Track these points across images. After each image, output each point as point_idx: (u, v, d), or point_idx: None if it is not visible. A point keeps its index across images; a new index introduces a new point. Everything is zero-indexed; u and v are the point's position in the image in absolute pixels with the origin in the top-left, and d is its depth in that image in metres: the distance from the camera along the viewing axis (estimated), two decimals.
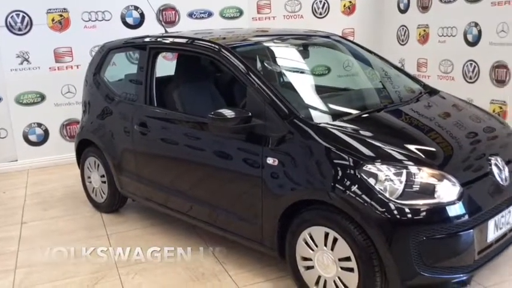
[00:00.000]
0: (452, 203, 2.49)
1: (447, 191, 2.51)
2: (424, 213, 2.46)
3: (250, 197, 3.01)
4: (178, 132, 3.51)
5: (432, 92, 3.61)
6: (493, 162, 2.75)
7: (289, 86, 3.35)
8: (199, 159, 3.35)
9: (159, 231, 3.99)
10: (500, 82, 5.67)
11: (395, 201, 2.46)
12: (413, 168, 2.55)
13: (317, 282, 2.79)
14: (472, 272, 2.58)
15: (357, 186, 2.53)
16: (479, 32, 5.86)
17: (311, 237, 2.75)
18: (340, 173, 2.60)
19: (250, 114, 2.94)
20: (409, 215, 2.44)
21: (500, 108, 5.70)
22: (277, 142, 2.86)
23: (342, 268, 2.65)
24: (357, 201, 2.51)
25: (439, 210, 2.48)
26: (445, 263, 2.51)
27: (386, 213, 2.45)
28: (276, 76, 3.53)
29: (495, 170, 2.73)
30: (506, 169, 2.80)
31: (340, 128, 2.82)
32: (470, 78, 6.06)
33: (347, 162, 2.60)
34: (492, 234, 2.64)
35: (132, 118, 3.80)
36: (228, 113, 2.92)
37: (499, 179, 2.72)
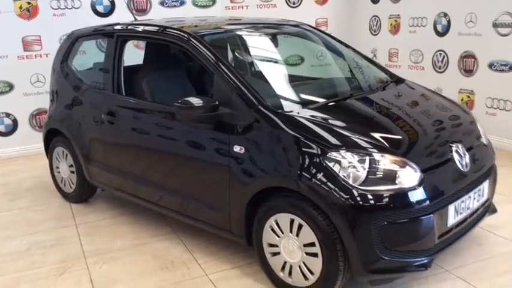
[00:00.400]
0: (413, 188, 2.54)
1: (408, 177, 2.56)
2: (385, 199, 2.50)
3: (218, 186, 3.02)
4: (147, 122, 3.50)
5: (399, 81, 3.66)
6: (454, 149, 2.82)
7: (258, 75, 3.37)
8: (168, 148, 3.35)
9: (129, 220, 3.97)
10: (468, 72, 5.78)
11: (358, 188, 2.50)
12: (376, 155, 2.59)
13: (283, 268, 2.83)
14: (433, 255, 2.65)
15: (321, 173, 2.56)
16: (449, 22, 5.96)
17: (277, 224, 2.78)
18: (305, 160, 2.63)
19: (217, 102, 2.95)
20: (371, 201, 2.49)
21: (468, 97, 5.82)
22: (244, 130, 2.88)
23: (306, 253, 2.69)
24: (322, 188, 2.54)
25: (400, 195, 2.53)
26: (406, 247, 2.57)
27: (349, 200, 2.49)
28: (244, 65, 3.54)
29: (456, 157, 2.80)
30: (467, 156, 2.87)
31: (306, 116, 2.85)
32: (440, 68, 6.16)
33: (312, 150, 2.63)
34: (452, 219, 2.71)
35: (100, 107, 3.76)
36: (195, 101, 2.92)
37: (459, 165, 2.79)
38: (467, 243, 3.32)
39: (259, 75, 3.34)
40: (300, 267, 2.74)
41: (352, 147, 2.63)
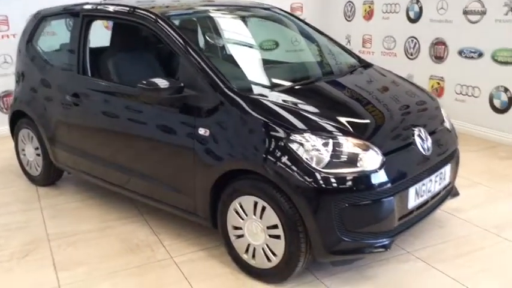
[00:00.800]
0: (375, 171, 2.57)
1: (370, 160, 2.59)
2: (347, 182, 2.53)
3: (184, 168, 3.01)
4: (112, 104, 3.45)
5: (367, 66, 3.68)
6: (416, 133, 2.85)
7: (226, 57, 3.36)
8: (134, 131, 3.31)
9: (96, 203, 3.94)
10: (438, 58, 5.84)
11: (320, 171, 2.52)
12: (339, 139, 2.61)
13: (247, 250, 2.85)
14: (393, 237, 2.69)
15: (284, 156, 2.57)
16: (421, 8, 6.00)
17: (241, 207, 2.79)
18: (268, 142, 2.63)
19: (182, 84, 2.92)
20: (333, 184, 2.51)
21: (438, 83, 5.89)
22: (209, 113, 2.86)
23: (269, 236, 2.70)
24: (285, 171, 2.55)
25: (362, 178, 2.55)
26: (366, 228, 2.61)
27: (311, 182, 2.50)
28: (212, 47, 3.52)
29: (418, 140, 2.84)
30: (430, 140, 2.90)
31: (272, 99, 2.84)
32: (411, 54, 6.22)
33: (276, 133, 2.63)
34: (413, 201, 2.75)
35: (65, 89, 3.70)
36: (160, 82, 2.89)
37: (421, 148, 2.83)
38: (429, 226, 3.38)
39: (228, 58, 3.34)
40: (263, 249, 2.76)
41: (316, 130, 2.64)
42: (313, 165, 2.53)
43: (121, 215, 3.71)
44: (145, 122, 3.21)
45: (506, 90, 5.10)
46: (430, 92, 3.56)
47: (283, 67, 3.79)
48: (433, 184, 2.90)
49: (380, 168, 2.59)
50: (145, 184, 3.34)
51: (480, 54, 5.31)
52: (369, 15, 6.85)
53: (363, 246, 2.63)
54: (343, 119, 2.76)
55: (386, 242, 2.66)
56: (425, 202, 2.89)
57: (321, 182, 2.51)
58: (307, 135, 2.60)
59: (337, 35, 7.40)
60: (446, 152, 3.05)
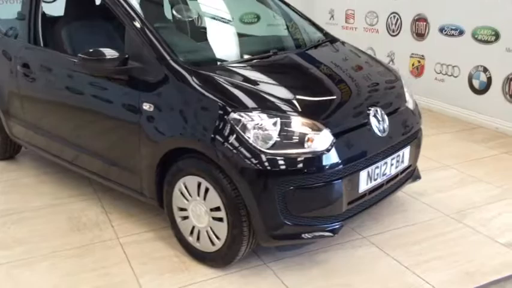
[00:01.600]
0: (323, 153, 2.43)
1: (319, 140, 2.44)
2: (292, 163, 2.39)
3: (130, 145, 2.86)
4: (60, 76, 3.28)
5: (333, 40, 3.51)
6: (372, 113, 2.70)
7: (178, 29, 3.17)
8: (82, 105, 3.15)
9: (52, 180, 3.80)
10: (419, 36, 5.66)
11: (264, 151, 2.37)
12: (287, 117, 2.46)
13: (192, 232, 2.72)
14: (342, 221, 2.57)
15: (226, 134, 2.42)
16: None
17: (186, 187, 2.65)
18: (211, 120, 2.48)
19: (126, 56, 2.75)
20: (277, 165, 2.37)
21: (419, 62, 5.72)
22: (154, 87, 2.70)
23: (213, 218, 2.57)
24: (225, 150, 2.40)
25: (308, 160, 2.41)
26: (312, 213, 2.48)
27: (253, 163, 2.36)
28: (164, 18, 3.32)
29: (373, 121, 2.69)
30: (387, 120, 2.76)
31: (220, 73, 2.68)
32: (393, 31, 6.02)
33: (219, 110, 2.47)
34: (365, 185, 2.62)
35: (16, 59, 3.52)
36: (101, 52, 2.72)
37: (376, 129, 2.68)
38: (391, 209, 3.26)
39: (180, 29, 3.15)
40: (207, 232, 2.63)
41: (263, 108, 2.49)
42: (256, 145, 2.38)
43: (75, 192, 3.58)
44: (92, 95, 3.04)
45: (485, 70, 4.93)
46: (396, 69, 3.36)
47: (241, 40, 3.59)
48: (388, 167, 2.77)
49: (329, 149, 2.44)
50: (93, 161, 3.19)
51: (461, 32, 5.12)
52: None
53: (308, 231, 2.50)
54: (293, 97, 2.60)
55: (335, 227, 2.54)
56: (380, 186, 2.76)
57: (264, 163, 2.37)
58: (252, 113, 2.45)
59: (320, 9, 7.21)
60: (405, 134, 2.91)
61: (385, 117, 2.76)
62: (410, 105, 3.08)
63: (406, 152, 2.90)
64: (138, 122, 2.76)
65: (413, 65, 5.78)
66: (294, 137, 2.42)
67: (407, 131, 2.93)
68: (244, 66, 2.88)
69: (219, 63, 2.88)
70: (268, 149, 2.38)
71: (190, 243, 2.74)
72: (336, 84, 2.87)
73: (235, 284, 2.56)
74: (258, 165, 2.36)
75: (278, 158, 2.38)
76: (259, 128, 2.41)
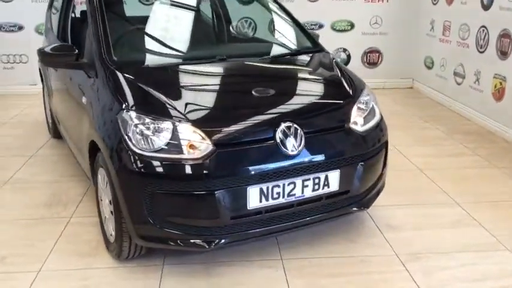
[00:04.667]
0: (199, 162, 2.37)
1: (198, 149, 2.39)
2: (164, 168, 2.39)
3: (81, 132, 3.09)
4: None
5: (317, 51, 3.31)
6: (280, 129, 2.51)
7: (136, 30, 3.35)
8: (69, 92, 3.49)
9: (63, 160, 4.27)
10: (503, 54, 4.90)
11: (139, 153, 2.40)
12: (170, 123, 2.44)
13: (105, 221, 2.86)
14: (226, 236, 2.46)
15: (113, 132, 2.52)
16: None
17: (102, 178, 2.80)
18: (108, 118, 2.60)
19: (76, 51, 3.00)
20: (148, 168, 2.39)
21: (500, 84, 4.95)
22: (90, 82, 2.92)
23: (110, 211, 2.68)
24: (110, 147, 2.50)
25: (180, 166, 2.38)
26: (185, 220, 2.44)
27: (126, 163, 2.41)
28: (125, 19, 3.55)
29: (279, 136, 2.50)
30: (300, 139, 2.53)
31: (133, 74, 2.79)
32: (481, 47, 5.31)
33: (113, 108, 2.59)
34: (257, 202, 2.46)
35: None
36: (50, 48, 3.02)
37: (282, 146, 2.49)
38: (340, 237, 2.99)
39: (137, 31, 3.31)
40: (108, 222, 2.75)
41: (148, 112, 2.51)
42: (134, 146, 2.41)
43: (78, 173, 3.94)
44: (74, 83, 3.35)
45: None
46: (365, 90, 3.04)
47: (186, 44, 3.50)
48: (299, 188, 2.54)
49: (205, 159, 2.37)
50: (72, 145, 3.54)
51: None
52: None
53: (182, 238, 2.46)
54: (185, 104, 2.61)
55: (214, 240, 2.45)
56: (289, 206, 2.56)
57: (136, 164, 2.40)
58: (139, 115, 2.49)
59: (422, 20, 6.66)
60: (333, 156, 2.63)
61: (301, 135, 2.53)
62: (358, 127, 2.76)
63: (333, 175, 2.62)
64: (82, 112, 3.00)
65: (495, 86, 5.02)
66: (174, 143, 2.41)
67: (337, 154, 2.65)
68: (166, 70, 2.95)
69: (144, 64, 2.97)
70: (143, 150, 2.40)
71: (106, 231, 2.88)
72: (248, 97, 2.76)
73: (118, 277, 2.64)
74: (131, 166, 2.40)
75: (153, 161, 2.39)
76: (139, 129, 2.44)
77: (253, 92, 2.74)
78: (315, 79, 3.06)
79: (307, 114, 2.72)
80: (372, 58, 7.04)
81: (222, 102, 2.69)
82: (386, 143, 2.96)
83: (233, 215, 2.44)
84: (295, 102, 2.79)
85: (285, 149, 2.49)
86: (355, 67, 6.88)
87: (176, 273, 2.66)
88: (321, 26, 6.79)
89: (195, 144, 2.40)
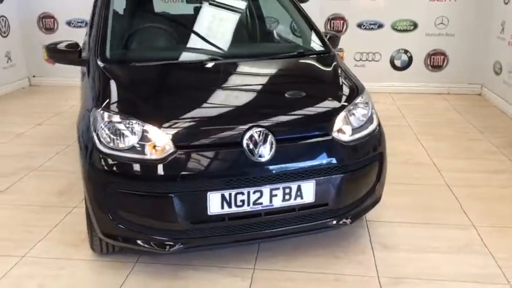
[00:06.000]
0: (157, 162, 2.35)
1: (158, 150, 2.37)
2: (124, 167, 2.40)
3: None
4: None
5: (324, 52, 3.15)
6: (248, 134, 2.41)
7: (141, 29, 3.39)
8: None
9: None
10: None
11: (102, 151, 2.42)
12: (135, 123, 2.44)
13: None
14: (185, 240, 2.42)
15: (84, 129, 2.58)
16: None
17: None
18: (83, 112, 2.69)
19: (79, 48, 3.10)
20: (109, 166, 2.41)
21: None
22: (85, 78, 3.02)
23: None
24: (83, 143, 2.56)
25: (141, 166, 2.39)
26: (143, 220, 2.44)
27: (90, 160, 2.45)
28: (125, 17, 3.60)
29: (246, 142, 2.40)
30: (270, 146, 2.41)
31: (119, 72, 2.84)
32: None
33: (90, 104, 2.64)
34: (218, 208, 2.39)
35: None
36: (57, 44, 3.13)
37: (249, 152, 2.39)
38: (322, 253, 2.83)
39: (140, 30, 3.37)
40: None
41: (116, 110, 2.54)
42: (99, 144, 2.44)
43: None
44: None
45: None
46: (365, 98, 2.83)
47: (181, 44, 3.47)
48: (266, 197, 2.43)
49: (164, 160, 2.34)
50: None
51: None
52: None
53: (142, 238, 2.46)
54: (156, 105, 2.61)
55: (170, 243, 2.42)
56: (256, 215, 2.46)
57: (100, 161, 2.43)
58: (105, 113, 2.51)
59: (492, 20, 6.12)
60: (307, 166, 2.48)
61: (271, 141, 2.41)
62: (343, 136, 2.58)
63: (307, 186, 2.47)
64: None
65: None
66: (138, 143, 2.41)
67: (311, 164, 2.49)
68: (150, 70, 2.95)
69: (132, 63, 3.00)
70: (106, 148, 2.42)
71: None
72: (223, 99, 2.71)
73: (90, 271, 2.71)
74: (95, 163, 2.44)
75: (115, 160, 2.40)
76: (107, 128, 2.46)
77: (229, 95, 2.67)
78: (303, 83, 2.91)
79: (281, 119, 2.59)
80: (436, 61, 6.58)
81: (194, 103, 2.64)
82: (380, 154, 2.74)
83: (193, 219, 2.40)
84: (272, 107, 2.67)
85: (251, 156, 2.39)
86: (417, 70, 6.52)
87: (143, 273, 2.66)
88: (380, 26, 6.44)
89: (158, 145, 2.38)
